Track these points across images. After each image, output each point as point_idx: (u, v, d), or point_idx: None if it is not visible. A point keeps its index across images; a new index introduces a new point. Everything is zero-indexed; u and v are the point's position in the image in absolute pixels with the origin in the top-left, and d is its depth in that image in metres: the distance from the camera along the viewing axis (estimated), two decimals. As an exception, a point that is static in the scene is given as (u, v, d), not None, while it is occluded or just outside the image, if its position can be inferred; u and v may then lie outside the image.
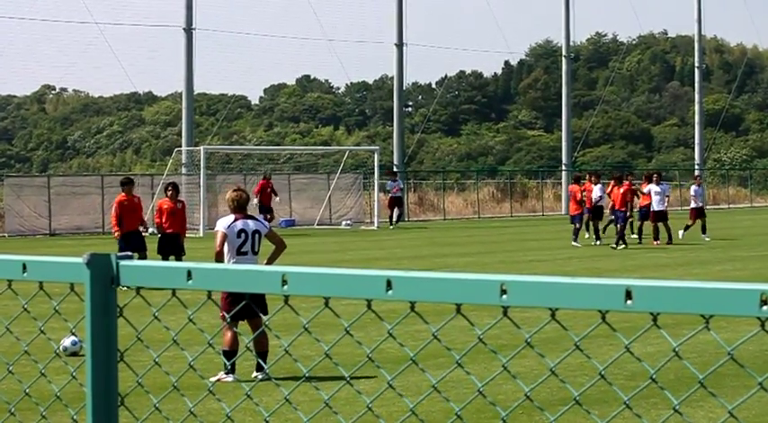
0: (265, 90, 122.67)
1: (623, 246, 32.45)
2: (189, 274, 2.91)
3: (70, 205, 43.94)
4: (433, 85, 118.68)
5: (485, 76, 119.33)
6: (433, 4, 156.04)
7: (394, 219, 47.60)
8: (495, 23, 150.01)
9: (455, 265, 27.30)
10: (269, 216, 39.85)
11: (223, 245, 12.30)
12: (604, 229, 35.40)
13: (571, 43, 67.86)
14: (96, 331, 3.04)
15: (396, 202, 48.01)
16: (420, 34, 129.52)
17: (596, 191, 34.94)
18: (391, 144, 61.61)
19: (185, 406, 3.47)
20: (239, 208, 12.54)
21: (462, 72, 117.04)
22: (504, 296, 2.43)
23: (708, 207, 43.68)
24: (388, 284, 2.58)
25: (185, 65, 51.25)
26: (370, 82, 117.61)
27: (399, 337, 3.12)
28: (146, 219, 24.15)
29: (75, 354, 13.04)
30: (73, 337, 13.04)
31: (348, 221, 48.37)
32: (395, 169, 53.53)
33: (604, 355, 12.75)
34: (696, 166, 70.15)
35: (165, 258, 21.69)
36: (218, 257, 12.25)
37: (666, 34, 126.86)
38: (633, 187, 34.19)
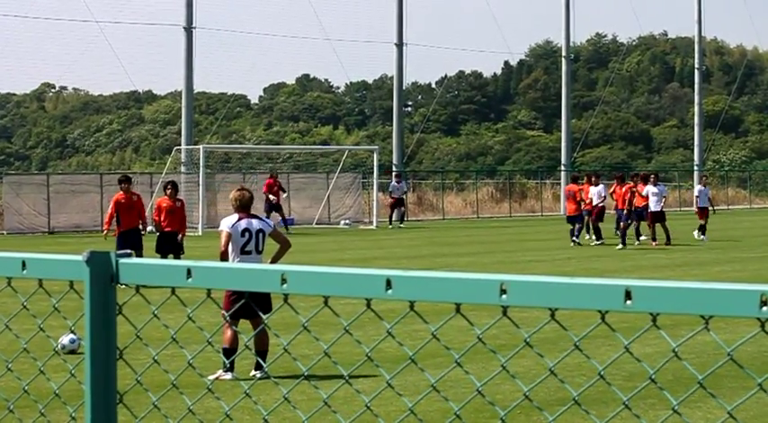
0: (265, 89, 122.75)
1: (621, 246, 32.46)
2: (189, 273, 2.91)
3: (69, 203, 43.94)
4: (433, 85, 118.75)
5: (484, 76, 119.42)
6: (433, 4, 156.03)
7: (394, 218, 47.61)
8: (494, 24, 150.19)
9: (454, 264, 27.30)
10: (279, 214, 39.83)
11: (227, 244, 12.31)
12: (624, 230, 33.83)
13: (571, 44, 67.91)
14: (95, 329, 3.04)
15: (398, 202, 48.00)
16: (420, 34, 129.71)
17: (599, 191, 34.75)
18: (390, 144, 61.60)
19: (184, 404, 3.47)
20: (242, 207, 12.56)
21: (462, 72, 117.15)
22: (504, 296, 2.43)
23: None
24: (388, 284, 2.58)
25: (185, 63, 51.24)
26: (370, 81, 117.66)
27: (398, 336, 3.12)
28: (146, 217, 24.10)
29: (73, 351, 13.03)
30: (71, 335, 13.03)
31: (347, 221, 48.36)
32: (393, 169, 53.52)
33: (602, 356, 12.76)
34: (695, 168, 70.18)
35: (164, 257, 21.69)
36: (223, 257, 12.26)
37: (666, 35, 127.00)
38: (633, 188, 34.15)
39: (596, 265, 27.41)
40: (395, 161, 57.26)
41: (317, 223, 48.29)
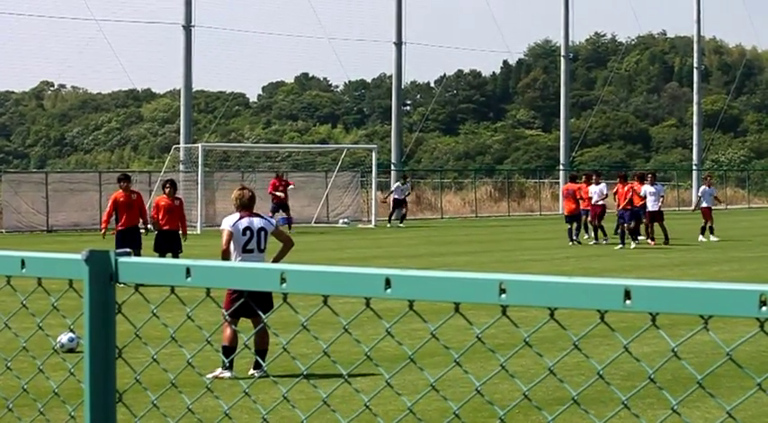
0: (264, 88, 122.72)
1: (621, 246, 32.47)
2: (188, 272, 2.91)
3: (68, 202, 43.93)
4: (432, 84, 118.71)
5: (483, 75, 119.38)
6: (432, 3, 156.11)
7: (394, 217, 47.58)
8: (494, 23, 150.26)
9: (453, 263, 27.30)
10: (286, 213, 39.77)
11: (229, 243, 12.32)
12: (636, 230, 33.59)
13: (570, 43, 67.90)
14: (95, 328, 3.04)
15: (400, 201, 47.98)
16: (419, 33, 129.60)
17: (601, 190, 34.60)
18: (389, 142, 61.61)
19: (183, 403, 3.47)
20: (243, 206, 12.56)
21: (461, 71, 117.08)
22: (503, 295, 2.43)
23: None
24: (387, 283, 2.58)
25: (184, 62, 51.24)
26: (369, 80, 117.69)
27: (397, 335, 3.12)
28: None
29: (71, 350, 13.02)
30: (70, 334, 13.02)
31: (345, 220, 48.36)
32: (392, 168, 53.52)
33: (601, 355, 12.76)
34: (694, 167, 70.18)
35: (162, 256, 21.66)
36: (225, 256, 12.26)
37: (665, 35, 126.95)
38: (633, 188, 34.10)
39: (595, 264, 27.41)
40: (393, 160, 57.26)
41: (315, 222, 48.29)
